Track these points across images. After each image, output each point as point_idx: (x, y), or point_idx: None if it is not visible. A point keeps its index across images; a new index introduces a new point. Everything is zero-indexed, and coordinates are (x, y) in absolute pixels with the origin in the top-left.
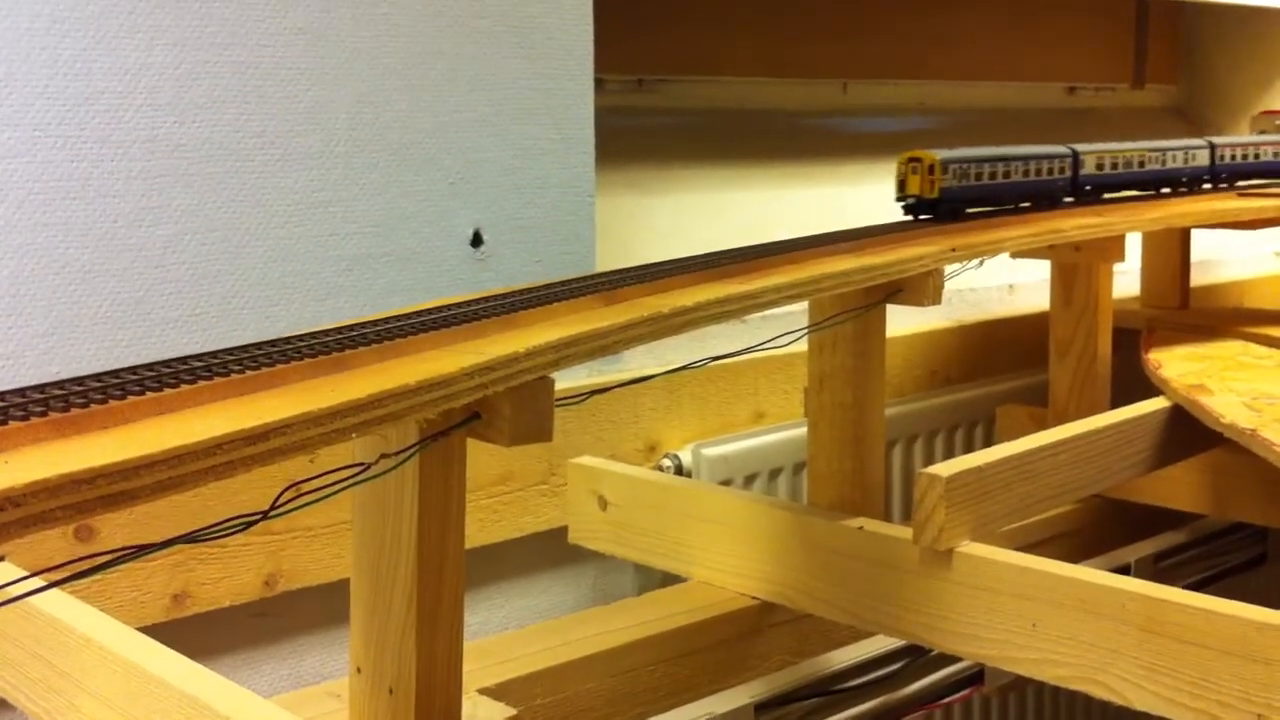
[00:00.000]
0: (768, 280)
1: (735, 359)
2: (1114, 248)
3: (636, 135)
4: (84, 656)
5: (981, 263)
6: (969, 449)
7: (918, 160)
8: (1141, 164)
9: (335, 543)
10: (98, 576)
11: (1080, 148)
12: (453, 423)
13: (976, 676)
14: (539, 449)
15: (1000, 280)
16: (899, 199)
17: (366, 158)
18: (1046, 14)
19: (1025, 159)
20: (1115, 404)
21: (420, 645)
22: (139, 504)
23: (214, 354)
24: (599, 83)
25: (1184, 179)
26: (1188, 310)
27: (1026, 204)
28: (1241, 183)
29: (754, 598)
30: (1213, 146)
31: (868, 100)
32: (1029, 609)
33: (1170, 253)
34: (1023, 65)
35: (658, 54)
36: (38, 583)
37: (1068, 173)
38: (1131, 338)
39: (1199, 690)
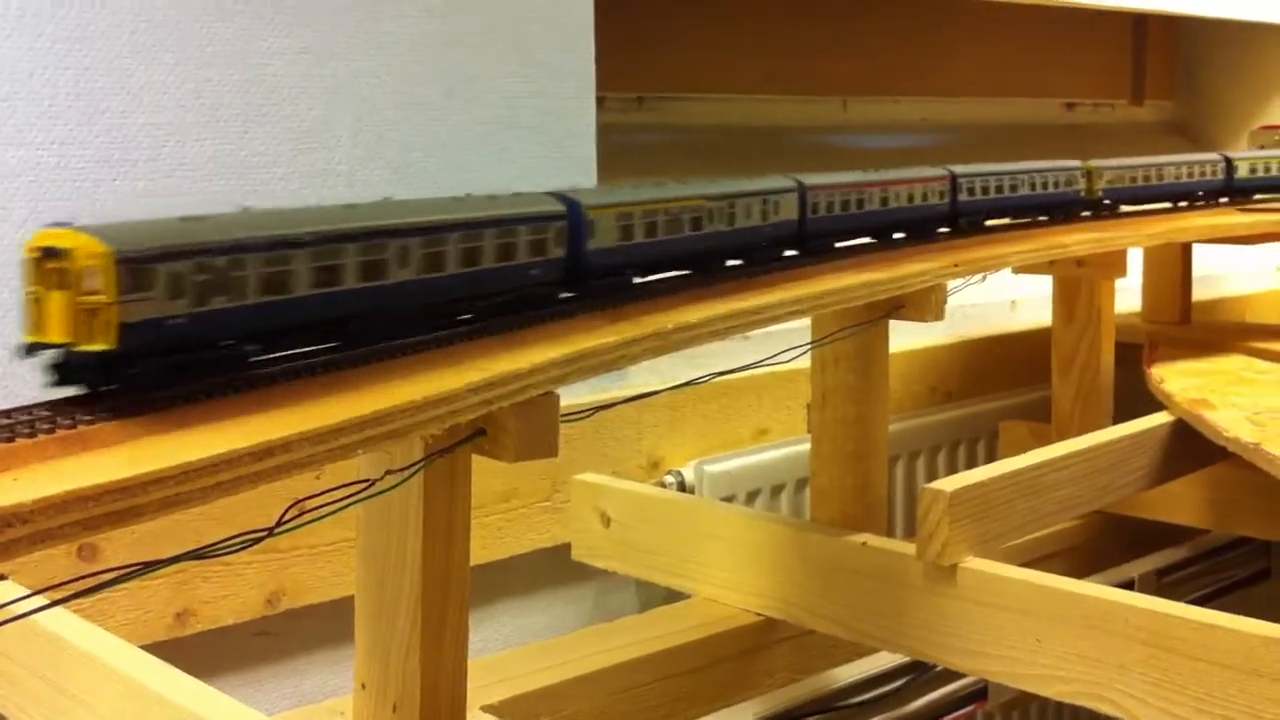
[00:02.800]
0: (770, 296)
1: (738, 375)
2: (1116, 263)
3: (637, 152)
4: (87, 674)
5: (984, 278)
6: (971, 465)
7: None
8: (1014, 188)
9: (338, 560)
10: (100, 595)
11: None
12: (458, 439)
13: (980, 693)
14: (542, 466)
15: (1002, 296)
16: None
17: (368, 175)
18: (1045, 31)
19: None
20: (1118, 419)
21: (425, 662)
22: (145, 520)
23: (219, 372)
24: (600, 100)
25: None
26: (1190, 325)
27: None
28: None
29: (757, 614)
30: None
31: (868, 117)
32: (1033, 625)
33: (1172, 268)
34: (1022, 82)
35: (658, 71)
36: (40, 601)
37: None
38: (1134, 353)
39: (1203, 705)
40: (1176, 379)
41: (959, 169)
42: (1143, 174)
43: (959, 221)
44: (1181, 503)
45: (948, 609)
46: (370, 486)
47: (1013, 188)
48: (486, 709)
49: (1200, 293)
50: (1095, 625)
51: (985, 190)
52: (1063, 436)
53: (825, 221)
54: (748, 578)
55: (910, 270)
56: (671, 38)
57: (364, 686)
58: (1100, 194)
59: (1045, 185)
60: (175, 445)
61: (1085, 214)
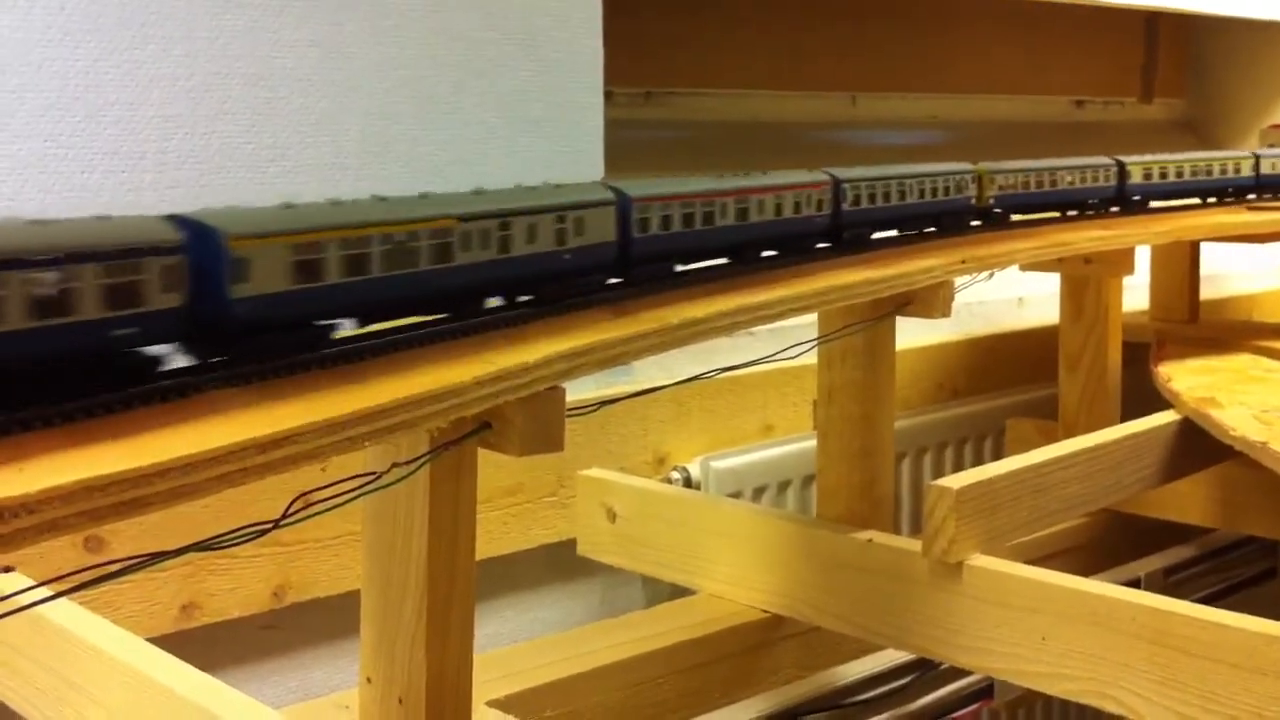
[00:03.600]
0: (777, 292)
1: (744, 371)
2: (1124, 261)
3: (645, 147)
4: (93, 667)
5: (991, 275)
6: (978, 462)
7: None
8: (902, 195)
9: (344, 554)
10: (106, 587)
11: (841, 173)
12: (464, 432)
13: (986, 690)
14: (548, 461)
15: (1009, 293)
16: None
17: (377, 169)
18: (1055, 28)
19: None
20: (1125, 417)
21: (430, 655)
22: (152, 511)
23: (226, 363)
24: (608, 95)
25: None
26: (1197, 324)
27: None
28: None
29: (763, 611)
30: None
31: (876, 113)
32: (1039, 622)
33: (1179, 266)
34: (1031, 79)
35: (666, 67)
36: (46, 592)
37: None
38: (1141, 351)
39: (1209, 704)
40: (1184, 377)
41: (843, 172)
42: (1035, 179)
43: (842, 236)
44: (1188, 501)
45: (954, 606)
46: (376, 479)
47: (901, 195)
48: (492, 704)
49: (1208, 291)
50: (1101, 623)
51: (873, 198)
52: (1070, 434)
53: (656, 243)
54: (753, 574)
55: (917, 266)
56: (680, 33)
57: (370, 680)
58: (991, 201)
59: (935, 192)
60: (182, 436)
61: (975, 223)
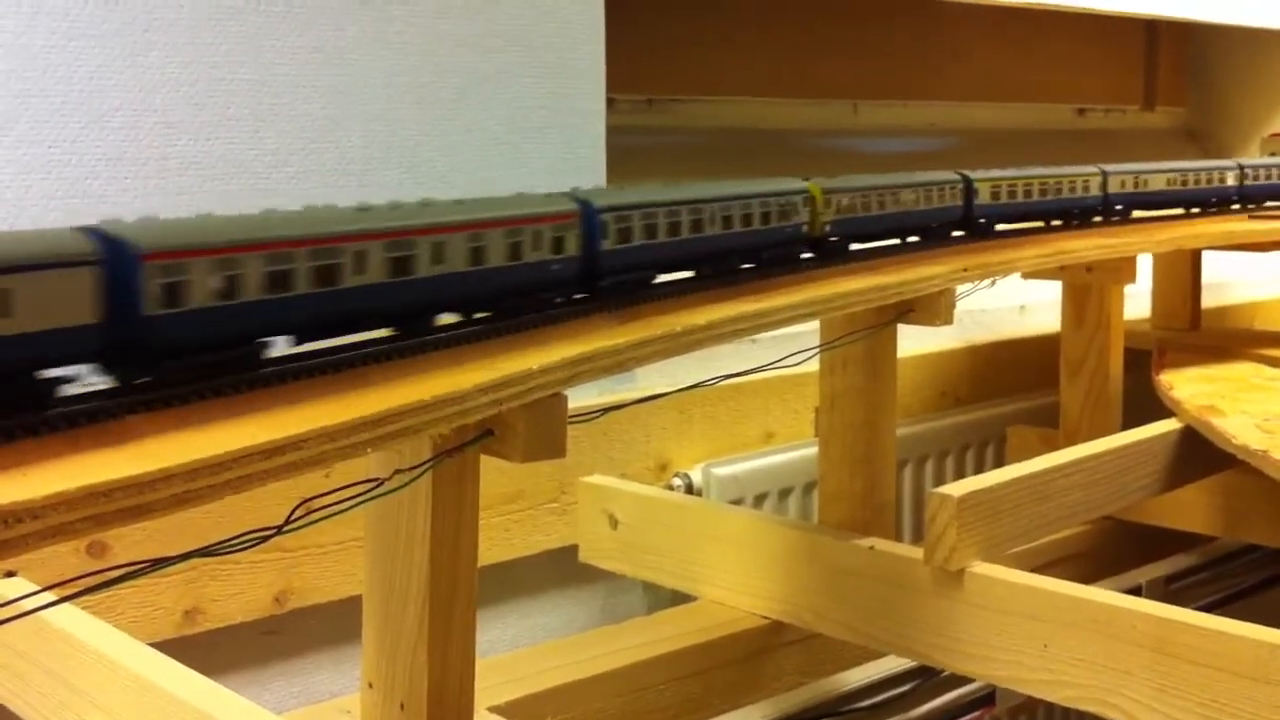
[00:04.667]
0: (779, 299)
1: (746, 378)
2: (1125, 269)
3: (647, 154)
4: (95, 672)
5: (993, 283)
6: (979, 470)
7: None
8: (697, 226)
9: (346, 560)
10: (109, 592)
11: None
12: (466, 439)
13: (987, 698)
14: (550, 467)
15: (1011, 301)
16: None
17: (379, 175)
18: (1057, 35)
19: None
20: (1126, 425)
21: (432, 661)
22: (156, 517)
23: (229, 370)
24: (610, 102)
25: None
26: (1199, 331)
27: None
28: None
29: (764, 617)
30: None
31: (878, 121)
32: (1040, 630)
33: (1181, 274)
34: (1033, 86)
35: (668, 73)
36: (49, 597)
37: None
38: (1143, 359)
39: (1210, 712)
40: (1186, 385)
41: (602, 198)
42: (877, 200)
43: (599, 285)
44: (1190, 509)
45: (955, 613)
46: (379, 486)
47: (696, 226)
48: (493, 709)
49: (1210, 299)
50: (1103, 631)
51: (651, 232)
52: (1071, 442)
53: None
54: (755, 581)
55: (919, 274)
56: (681, 40)
57: (371, 685)
58: (827, 229)
59: (746, 220)
60: (187, 442)
61: (807, 256)
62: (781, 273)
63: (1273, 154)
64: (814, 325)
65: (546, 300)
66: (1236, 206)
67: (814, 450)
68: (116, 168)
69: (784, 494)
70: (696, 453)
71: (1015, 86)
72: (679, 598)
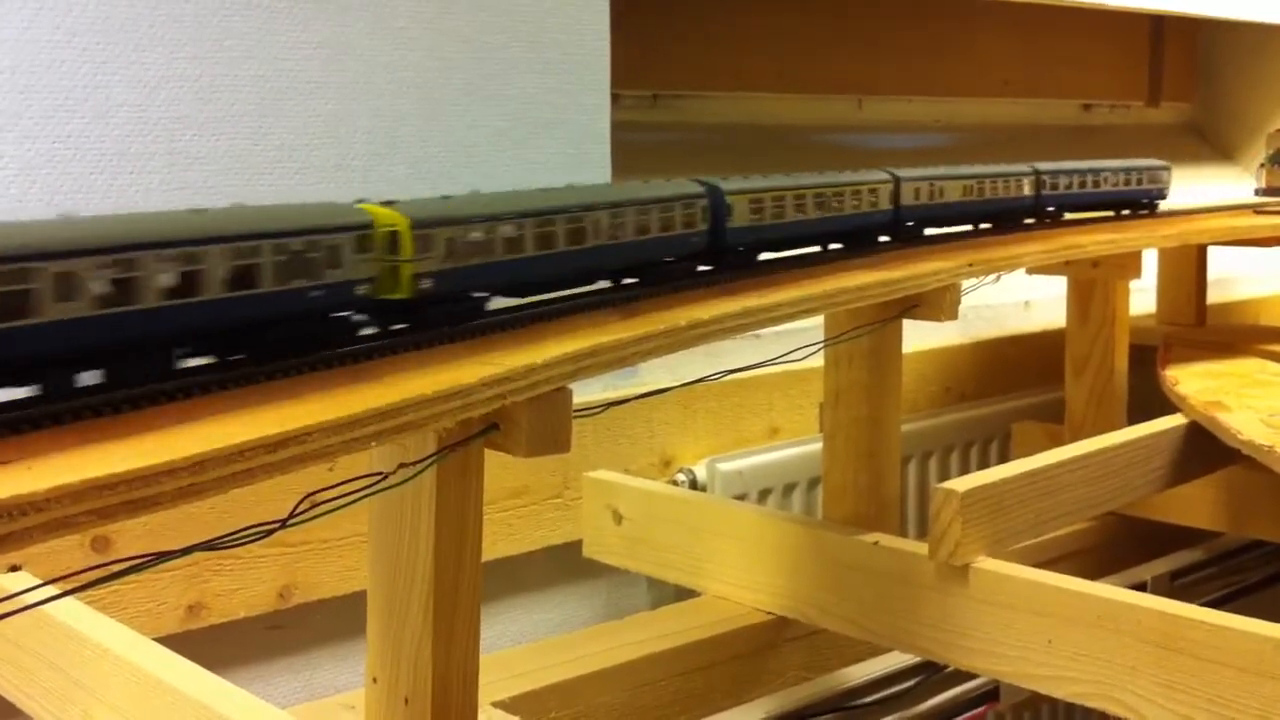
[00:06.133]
0: (784, 294)
1: (750, 374)
2: (1131, 264)
3: (651, 150)
4: (99, 666)
5: (998, 278)
6: (984, 465)
7: None
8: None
9: (349, 555)
10: (113, 587)
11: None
12: (471, 433)
13: (992, 693)
14: (554, 462)
15: (1016, 297)
16: None
17: (384, 170)
18: (1062, 31)
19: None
20: (1131, 421)
21: (436, 655)
22: (161, 509)
23: (236, 363)
24: (614, 97)
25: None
26: (1204, 327)
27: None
28: None
29: (768, 613)
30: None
31: (883, 116)
32: (1045, 625)
33: (1187, 270)
34: (1038, 82)
35: (673, 69)
36: (53, 591)
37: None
38: (1148, 354)
39: (1216, 707)
40: (1191, 381)
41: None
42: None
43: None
44: (1195, 505)
45: (959, 609)
46: (383, 480)
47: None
48: (497, 705)
49: (1215, 295)
50: (1107, 627)
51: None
52: (1076, 438)
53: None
54: (759, 576)
55: (925, 269)
56: (686, 36)
57: (375, 680)
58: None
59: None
60: (190, 435)
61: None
62: (786, 267)
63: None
64: (818, 320)
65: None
66: (1030, 220)
67: (818, 445)
68: (121, 162)
69: (788, 489)
70: (701, 448)
71: (1021, 82)
72: (683, 593)
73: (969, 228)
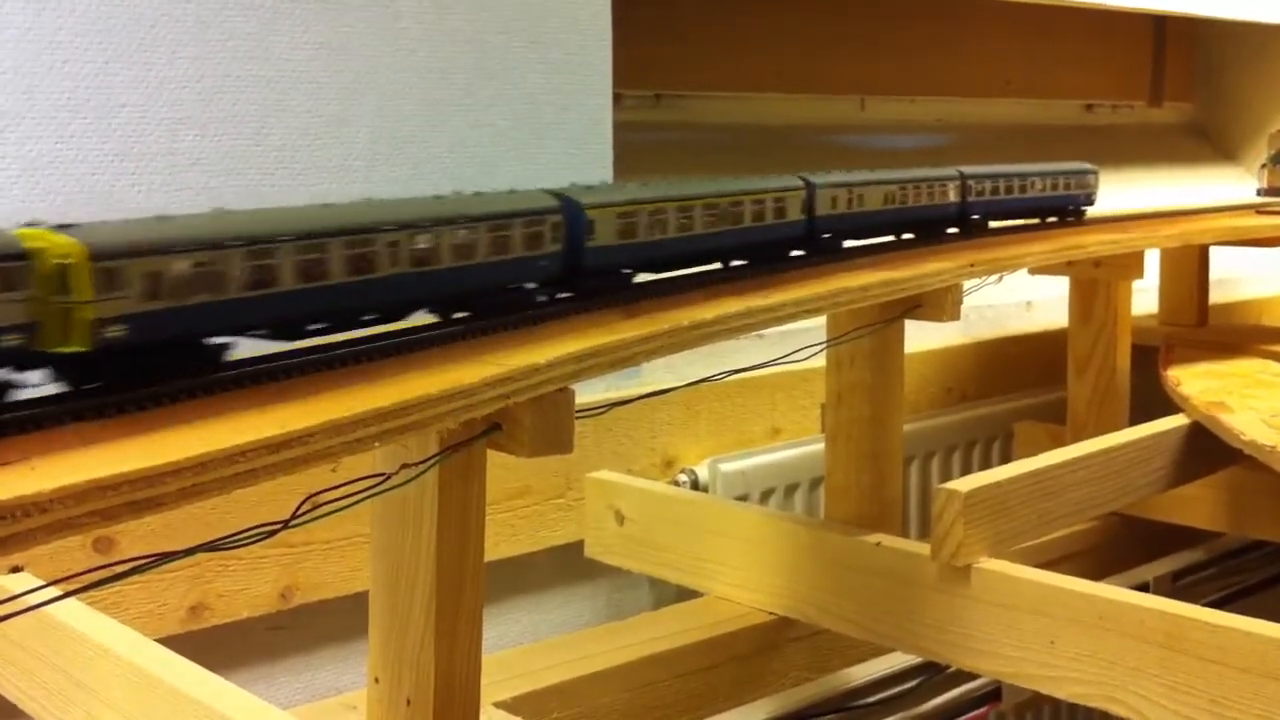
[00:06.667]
0: (787, 294)
1: (753, 374)
2: (1133, 264)
3: (654, 150)
4: (102, 667)
5: (1000, 279)
6: (986, 466)
7: None
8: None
9: (352, 556)
10: (115, 588)
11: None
12: (473, 433)
13: (994, 694)
14: (556, 463)
15: (1018, 297)
16: None
17: (386, 171)
18: (1064, 31)
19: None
20: (1134, 421)
21: (439, 656)
22: (164, 510)
23: (238, 364)
24: (617, 98)
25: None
26: (1207, 328)
27: None
28: None
29: (770, 613)
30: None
31: (885, 116)
32: (1047, 626)
33: (1189, 270)
34: (1040, 82)
35: (676, 69)
36: (55, 592)
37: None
38: (1150, 355)
39: (1219, 708)
40: (1193, 381)
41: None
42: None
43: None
44: (1197, 505)
45: (962, 610)
46: (385, 481)
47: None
48: (499, 705)
49: (1217, 295)
50: (1109, 627)
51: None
52: (1078, 438)
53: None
54: (761, 577)
55: (926, 270)
56: (689, 36)
57: (378, 681)
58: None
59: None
60: (193, 436)
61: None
62: (786, 268)
63: None
64: (820, 321)
65: (781, 253)
66: (955, 230)
67: (821, 446)
68: (123, 163)
69: (790, 490)
70: (703, 448)
71: (1022, 82)
72: (685, 594)
73: (890, 239)
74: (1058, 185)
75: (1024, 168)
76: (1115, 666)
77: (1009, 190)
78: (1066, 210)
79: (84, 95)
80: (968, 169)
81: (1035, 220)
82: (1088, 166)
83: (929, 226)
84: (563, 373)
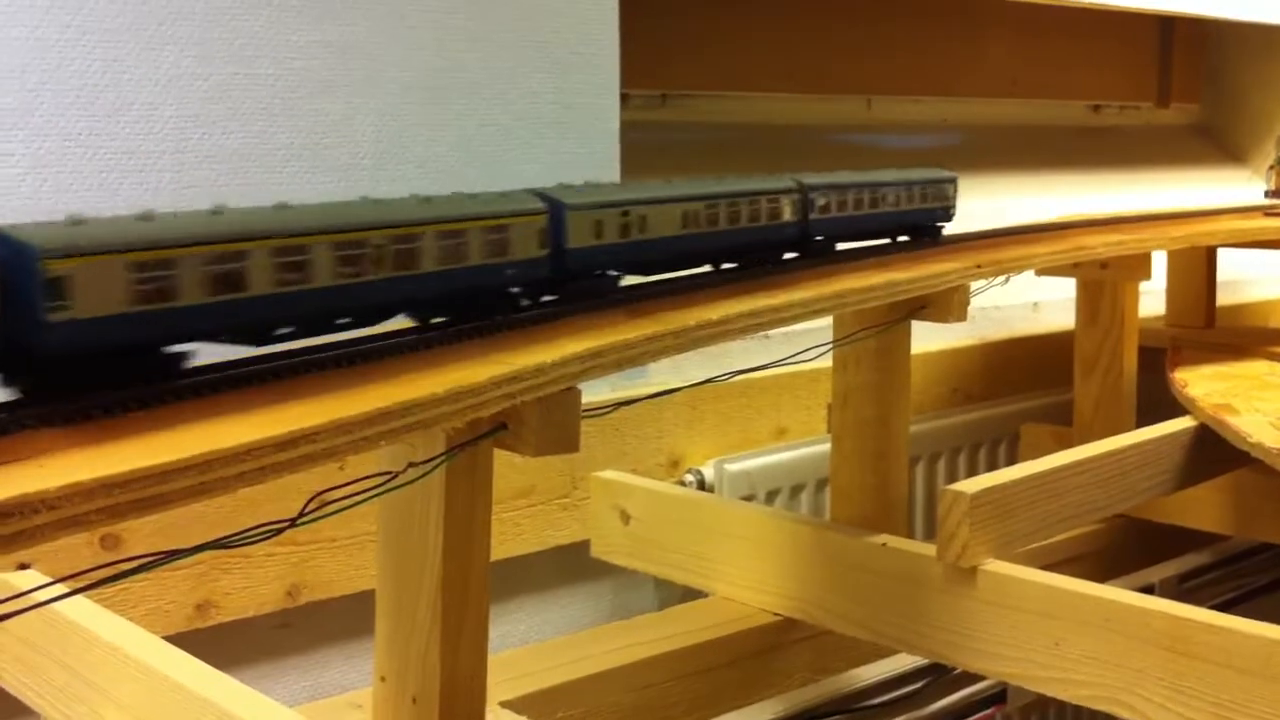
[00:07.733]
0: (793, 294)
1: (759, 374)
2: (1140, 265)
3: (660, 150)
4: (108, 664)
5: (1007, 280)
6: (992, 467)
7: None
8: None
9: (358, 554)
10: (122, 585)
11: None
12: (479, 432)
13: (999, 696)
14: (561, 462)
15: (1025, 298)
16: None
17: (392, 170)
18: (1070, 32)
19: None
20: (1140, 423)
21: (444, 655)
22: (172, 508)
23: (246, 362)
24: (623, 97)
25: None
26: (1214, 329)
27: None
28: None
29: (775, 614)
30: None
31: (891, 116)
32: (1052, 628)
33: (1196, 272)
34: (1046, 83)
35: (682, 69)
36: (62, 589)
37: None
38: (1157, 357)
39: (1223, 711)
40: (1200, 383)
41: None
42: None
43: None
44: (1203, 508)
45: (967, 611)
46: (392, 479)
47: (860, 203)
48: (505, 705)
49: (1225, 297)
50: (1115, 629)
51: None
52: (1084, 440)
53: None
54: (767, 577)
55: (933, 270)
56: (696, 36)
57: (383, 679)
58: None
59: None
60: (200, 434)
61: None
62: (793, 268)
63: None
64: (826, 321)
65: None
66: (795, 255)
67: (826, 447)
68: (131, 161)
69: (796, 490)
70: (708, 448)
71: (1029, 83)
72: (690, 594)
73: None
74: (914, 197)
75: (877, 176)
76: (1120, 669)
77: (858, 205)
78: (924, 228)
79: (92, 93)
80: (810, 178)
81: (885, 241)
82: (945, 174)
83: (757, 252)
84: (569, 372)
